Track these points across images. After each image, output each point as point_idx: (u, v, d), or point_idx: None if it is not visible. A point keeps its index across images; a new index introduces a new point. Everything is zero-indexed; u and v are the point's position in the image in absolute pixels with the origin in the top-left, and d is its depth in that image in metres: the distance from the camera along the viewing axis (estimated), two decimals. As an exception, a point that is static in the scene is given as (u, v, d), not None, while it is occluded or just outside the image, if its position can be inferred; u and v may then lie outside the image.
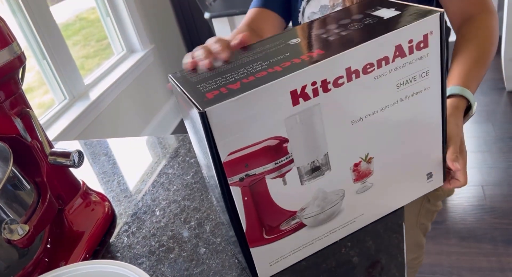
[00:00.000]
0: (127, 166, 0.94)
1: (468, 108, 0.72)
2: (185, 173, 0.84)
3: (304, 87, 0.47)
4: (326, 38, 0.52)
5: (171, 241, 0.69)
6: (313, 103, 0.49)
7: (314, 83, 0.48)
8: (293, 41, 0.53)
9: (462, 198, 1.81)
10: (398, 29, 0.49)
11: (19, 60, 0.62)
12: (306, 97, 0.48)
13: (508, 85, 2.40)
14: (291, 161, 0.51)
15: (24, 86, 0.68)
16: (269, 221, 0.54)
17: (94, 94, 2.17)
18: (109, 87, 2.26)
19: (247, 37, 0.57)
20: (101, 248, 0.71)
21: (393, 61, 0.51)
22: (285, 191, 0.52)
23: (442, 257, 1.59)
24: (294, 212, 0.54)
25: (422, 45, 0.51)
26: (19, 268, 0.62)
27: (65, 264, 0.67)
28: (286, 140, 0.50)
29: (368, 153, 0.56)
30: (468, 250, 1.59)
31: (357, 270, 0.56)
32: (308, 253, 0.59)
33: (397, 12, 0.53)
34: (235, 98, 0.45)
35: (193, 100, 0.46)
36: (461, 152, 0.65)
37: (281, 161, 0.51)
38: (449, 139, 0.63)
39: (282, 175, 0.52)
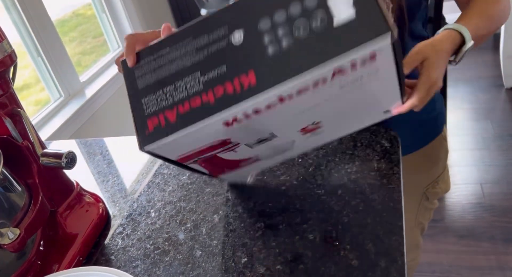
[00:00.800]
0: (123, 166, 0.93)
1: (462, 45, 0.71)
2: (181, 173, 0.83)
3: (236, 117, 0.52)
4: (265, 47, 0.51)
5: (166, 243, 0.67)
6: (248, 122, 0.52)
7: (246, 113, 0.51)
8: (236, 37, 0.51)
9: (461, 196, 1.81)
10: (341, 54, 0.47)
11: (10, 59, 0.61)
12: (239, 121, 0.52)
13: (506, 82, 2.39)
14: (237, 144, 0.58)
15: (20, 83, 0.66)
16: (228, 168, 0.66)
17: (90, 92, 2.15)
18: (105, 84, 2.24)
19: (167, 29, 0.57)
20: (95, 251, 0.70)
21: (331, 80, 0.49)
22: (237, 154, 0.60)
23: (441, 255, 1.58)
24: (248, 159, 0.63)
25: (368, 63, 0.48)
26: (11, 272, 0.60)
27: (59, 267, 0.66)
28: (228, 139, 0.55)
29: (315, 121, 0.57)
30: (467, 248, 1.58)
31: (357, 273, 0.55)
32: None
33: (352, 14, 0.48)
34: (171, 138, 0.53)
35: (137, 131, 0.55)
36: (428, 70, 0.62)
37: (227, 147, 0.58)
38: (422, 63, 0.63)
39: (231, 150, 0.59)
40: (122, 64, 0.56)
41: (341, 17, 0.48)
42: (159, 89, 0.54)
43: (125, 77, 0.55)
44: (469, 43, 0.70)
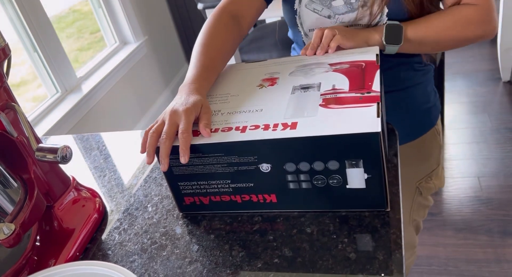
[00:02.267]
0: (119, 161, 0.92)
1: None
2: (178, 167, 0.82)
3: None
4: (287, 182, 0.63)
5: (163, 238, 0.67)
6: None
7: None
8: (264, 168, 0.61)
9: (458, 190, 1.81)
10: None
11: (3, 53, 0.60)
12: None
13: (504, 76, 2.39)
14: None
15: (18, 80, 0.65)
16: None
17: (86, 87, 2.14)
18: (102, 79, 2.23)
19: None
20: (92, 246, 0.69)
21: None
22: None
23: (438, 248, 1.58)
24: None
25: None
26: (7, 267, 0.60)
27: (55, 262, 0.65)
28: None
29: None
30: (464, 241, 1.59)
31: (355, 267, 0.55)
32: None
33: (363, 185, 0.60)
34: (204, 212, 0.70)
35: (176, 200, 0.69)
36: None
37: None
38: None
39: None
40: (157, 152, 0.62)
41: (353, 185, 0.60)
42: (194, 180, 0.65)
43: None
44: (390, 22, 0.82)
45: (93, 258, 0.68)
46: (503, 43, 2.28)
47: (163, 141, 0.62)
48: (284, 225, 0.63)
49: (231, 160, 0.61)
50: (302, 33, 0.98)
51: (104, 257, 0.67)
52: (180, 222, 0.69)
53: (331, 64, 0.75)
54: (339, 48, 0.81)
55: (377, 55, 0.75)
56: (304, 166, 0.59)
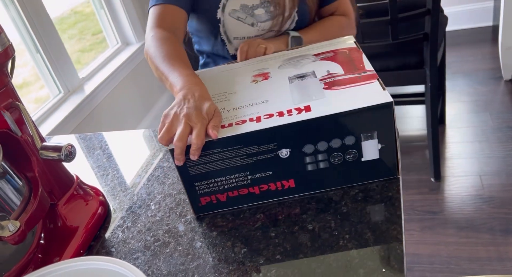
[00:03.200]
0: (122, 160, 0.93)
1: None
2: (180, 166, 0.83)
3: None
4: (305, 164, 0.64)
5: (166, 235, 0.68)
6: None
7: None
8: (283, 153, 0.62)
9: (460, 188, 1.81)
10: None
11: (8, 52, 0.61)
12: None
13: (505, 74, 2.39)
14: None
15: (20, 81, 0.66)
16: None
17: (89, 88, 2.15)
18: (104, 80, 2.24)
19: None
20: (95, 243, 0.70)
21: None
22: None
23: (440, 247, 1.59)
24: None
25: None
26: (12, 264, 0.61)
27: (59, 260, 0.66)
28: None
29: None
30: (466, 240, 1.59)
31: (356, 262, 0.55)
32: None
33: (377, 156, 0.64)
34: (220, 210, 0.69)
35: (191, 203, 0.68)
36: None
37: None
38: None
39: None
40: (172, 152, 0.62)
41: (368, 157, 0.63)
42: (211, 178, 0.65)
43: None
44: (292, 34, 0.99)
45: (97, 255, 0.68)
46: (504, 42, 2.28)
47: (177, 144, 0.61)
48: (286, 222, 0.64)
49: (251, 151, 0.62)
50: (226, 41, 1.06)
51: (108, 255, 0.67)
52: (182, 219, 0.70)
53: (315, 55, 0.78)
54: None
55: (355, 42, 0.79)
56: (322, 145, 0.62)
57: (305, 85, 0.68)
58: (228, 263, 0.60)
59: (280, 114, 0.62)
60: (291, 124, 0.60)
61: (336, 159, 0.63)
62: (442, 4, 1.77)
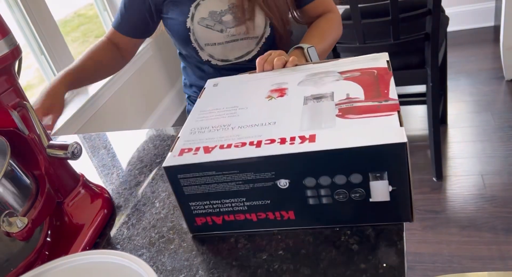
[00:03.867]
0: (127, 159, 0.94)
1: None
2: (184, 164, 0.84)
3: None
4: (306, 197, 0.59)
5: (171, 232, 0.69)
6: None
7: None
8: (282, 184, 0.58)
9: (462, 188, 1.82)
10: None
11: (16, 52, 0.62)
12: None
13: (507, 74, 2.40)
14: None
15: (24, 84, 0.68)
16: None
17: (93, 89, 2.17)
18: (108, 81, 2.26)
19: None
20: (101, 240, 0.71)
21: None
22: None
23: (442, 246, 1.59)
24: None
25: None
26: (19, 261, 0.62)
27: (66, 257, 0.67)
28: None
29: None
30: (469, 239, 1.60)
31: (357, 258, 0.56)
32: None
33: (387, 198, 0.57)
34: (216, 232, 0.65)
35: (186, 221, 0.65)
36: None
37: None
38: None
39: None
40: (166, 170, 0.60)
41: (377, 198, 0.57)
42: (206, 200, 0.62)
43: (170, 182, 0.61)
44: (306, 46, 0.98)
45: (103, 252, 0.69)
46: (506, 42, 2.29)
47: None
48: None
49: (247, 177, 0.58)
50: (198, 48, 1.10)
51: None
52: (186, 217, 0.71)
53: (341, 72, 0.73)
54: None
55: (387, 61, 0.72)
56: (324, 180, 0.56)
57: (318, 109, 0.63)
58: (232, 259, 0.61)
59: (282, 141, 0.58)
60: (291, 155, 0.55)
61: (341, 196, 0.58)
62: (444, 4, 1.78)
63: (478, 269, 1.48)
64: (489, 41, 2.83)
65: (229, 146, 0.60)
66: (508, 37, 2.28)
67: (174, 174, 0.60)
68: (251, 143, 0.59)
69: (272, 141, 0.58)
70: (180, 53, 1.21)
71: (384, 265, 0.54)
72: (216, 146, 0.61)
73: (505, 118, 2.13)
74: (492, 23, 2.98)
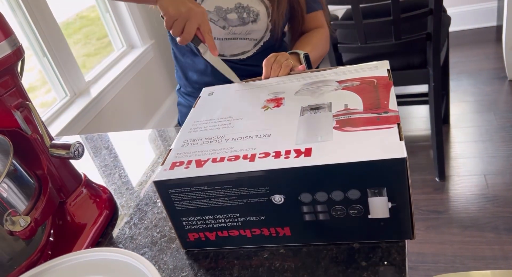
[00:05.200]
0: (129, 159, 0.94)
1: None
2: (186, 164, 0.84)
3: None
4: (302, 214, 0.57)
5: (172, 231, 0.69)
6: None
7: None
8: (277, 199, 0.56)
9: (465, 188, 1.81)
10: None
11: (18, 53, 0.63)
12: None
13: (509, 74, 2.40)
14: None
15: (26, 85, 0.68)
16: None
17: (95, 91, 2.17)
18: (110, 83, 2.27)
19: None
20: (103, 240, 0.72)
21: None
22: None
23: (445, 246, 1.59)
24: None
25: None
26: (22, 260, 0.62)
27: (68, 256, 0.68)
28: None
29: None
30: (471, 239, 1.59)
31: (358, 255, 0.56)
32: None
33: (387, 215, 0.55)
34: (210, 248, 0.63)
35: (178, 237, 0.63)
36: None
37: None
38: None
39: None
40: (156, 185, 0.58)
41: (376, 215, 0.55)
42: (198, 215, 0.60)
43: (161, 196, 0.60)
44: (301, 53, 0.98)
45: (105, 251, 0.70)
46: (508, 42, 2.29)
47: None
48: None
49: (240, 192, 0.56)
50: None
51: (116, 250, 0.69)
52: (188, 216, 0.71)
53: (339, 82, 0.70)
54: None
55: (388, 70, 0.70)
56: (321, 196, 0.54)
57: (315, 121, 0.61)
58: (233, 257, 0.61)
59: (277, 154, 0.55)
60: (286, 170, 0.53)
61: (339, 213, 0.55)
62: (446, 4, 1.78)
63: (481, 269, 1.47)
64: (491, 41, 2.83)
65: (222, 159, 0.58)
66: (511, 37, 2.27)
67: (165, 189, 0.58)
68: (245, 157, 0.57)
69: (267, 154, 0.56)
70: (170, 37, 1.20)
71: (386, 262, 0.54)
72: (208, 159, 0.59)
73: (507, 118, 2.13)
74: (494, 23, 2.98)
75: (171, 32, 0.86)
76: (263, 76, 0.84)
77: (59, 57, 2.00)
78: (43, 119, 1.91)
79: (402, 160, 0.50)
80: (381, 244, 0.57)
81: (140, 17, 2.62)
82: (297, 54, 1.00)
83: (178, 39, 0.86)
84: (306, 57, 0.98)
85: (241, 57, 1.11)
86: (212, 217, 0.59)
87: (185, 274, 0.61)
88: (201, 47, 0.88)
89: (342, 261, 0.56)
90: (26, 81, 1.97)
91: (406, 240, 0.57)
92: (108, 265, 0.49)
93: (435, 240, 1.62)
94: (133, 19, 2.56)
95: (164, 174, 0.58)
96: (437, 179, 1.89)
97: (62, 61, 2.02)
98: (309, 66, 0.98)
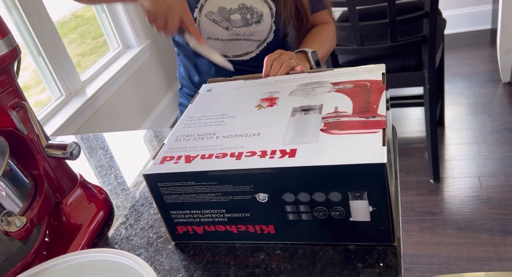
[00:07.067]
0: (124, 160, 0.94)
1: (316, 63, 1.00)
2: (182, 165, 0.84)
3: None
4: (286, 213, 0.58)
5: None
6: None
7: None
8: (261, 198, 0.57)
9: (459, 189, 1.82)
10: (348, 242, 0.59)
11: (15, 52, 0.62)
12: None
13: (503, 77, 2.41)
14: None
15: (21, 85, 0.68)
16: None
17: (90, 90, 2.17)
18: (106, 83, 2.26)
19: None
20: (99, 240, 0.71)
21: None
22: None
23: (439, 247, 1.60)
24: None
25: None
26: (17, 261, 0.62)
27: (64, 257, 0.67)
28: None
29: None
30: (465, 240, 1.60)
31: (354, 257, 0.56)
32: None
33: (368, 219, 0.55)
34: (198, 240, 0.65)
35: (168, 229, 0.65)
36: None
37: None
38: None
39: None
40: (146, 178, 0.60)
41: (357, 217, 0.56)
42: (186, 209, 0.61)
43: (151, 190, 0.61)
44: (309, 51, 0.99)
45: (101, 252, 0.69)
46: (502, 45, 2.30)
47: None
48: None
49: (226, 189, 0.57)
50: None
51: (111, 251, 0.69)
52: (184, 217, 0.71)
53: (334, 84, 0.71)
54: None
55: (383, 74, 0.70)
56: (304, 196, 0.55)
57: (304, 122, 0.62)
58: (230, 258, 0.61)
59: (263, 154, 0.57)
60: (269, 169, 0.54)
61: (321, 214, 0.56)
62: (441, 7, 1.79)
63: (475, 270, 1.48)
64: (486, 44, 2.85)
65: (210, 156, 0.59)
66: (505, 40, 2.29)
67: (154, 182, 0.60)
68: (232, 155, 0.58)
69: (253, 153, 0.57)
70: (173, 40, 1.20)
71: (381, 264, 0.55)
72: (197, 155, 0.60)
73: (501, 120, 2.14)
74: (489, 26, 3.00)
75: (154, 27, 0.87)
76: (262, 73, 0.85)
77: (54, 56, 2.00)
78: (38, 118, 1.90)
79: (381, 165, 0.50)
80: (377, 246, 0.57)
81: (136, 17, 2.62)
82: (305, 53, 1.00)
83: (162, 32, 0.88)
84: (314, 53, 0.99)
85: (245, 58, 1.11)
86: (199, 212, 0.61)
87: (181, 275, 0.60)
88: (188, 39, 0.90)
89: (338, 263, 0.56)
90: (20, 80, 1.96)
91: (401, 242, 0.58)
92: (104, 266, 0.49)
93: (430, 242, 1.63)
94: (129, 18, 2.55)
95: (154, 168, 0.60)
96: (431, 180, 1.90)
97: (58, 61, 2.01)
98: (317, 63, 0.99)
